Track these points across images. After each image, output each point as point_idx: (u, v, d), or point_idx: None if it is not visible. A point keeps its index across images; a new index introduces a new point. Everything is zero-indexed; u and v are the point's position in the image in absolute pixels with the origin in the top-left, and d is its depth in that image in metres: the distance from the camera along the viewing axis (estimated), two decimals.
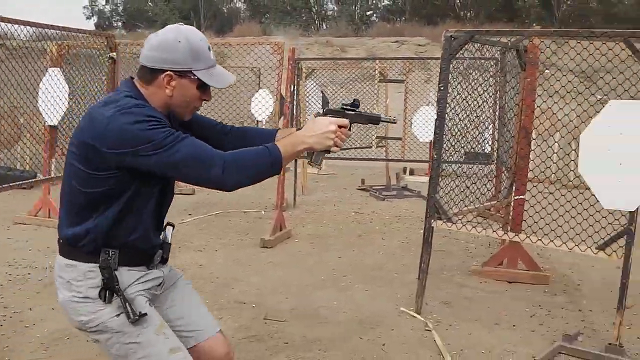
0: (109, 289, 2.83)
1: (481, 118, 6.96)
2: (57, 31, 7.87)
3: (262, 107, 11.57)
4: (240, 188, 2.82)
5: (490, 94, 8.51)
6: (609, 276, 7.32)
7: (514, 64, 7.24)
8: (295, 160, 11.69)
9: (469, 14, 46.44)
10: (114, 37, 9.00)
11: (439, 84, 5.64)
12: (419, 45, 27.63)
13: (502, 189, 7.93)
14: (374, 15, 50.00)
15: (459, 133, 6.42)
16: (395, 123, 3.32)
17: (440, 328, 5.89)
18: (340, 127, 2.95)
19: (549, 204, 6.08)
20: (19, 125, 10.80)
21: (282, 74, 9.41)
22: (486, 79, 7.74)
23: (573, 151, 10.67)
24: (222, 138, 3.24)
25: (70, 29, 8.08)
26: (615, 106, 5.07)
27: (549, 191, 6.18)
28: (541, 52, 6.66)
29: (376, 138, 12.24)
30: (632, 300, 6.73)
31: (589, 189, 5.26)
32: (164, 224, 3.15)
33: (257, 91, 12.48)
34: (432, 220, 6.03)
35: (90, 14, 56.47)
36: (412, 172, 14.87)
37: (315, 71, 12.88)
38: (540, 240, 5.72)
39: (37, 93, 8.51)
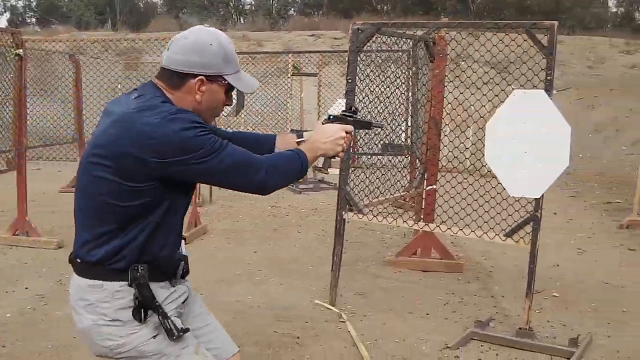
0: (145, 307, 2.64)
1: (395, 109, 7.01)
2: None
3: None
4: (275, 191, 2.79)
5: (404, 85, 8.60)
6: (520, 262, 7.44)
7: (422, 56, 7.31)
8: None
9: (385, 7, 46.80)
10: (20, 33, 8.75)
11: (347, 77, 5.66)
12: (335, 38, 27.75)
13: (413, 179, 8.00)
14: (292, 9, 50.00)
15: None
16: (382, 128, 3.33)
17: (354, 319, 5.92)
18: (346, 132, 3.00)
19: (457, 193, 6.18)
20: None
21: None
22: (402, 71, 7.83)
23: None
24: None
25: None
26: (518, 96, 5.17)
27: (460, 180, 6.27)
28: (458, 44, 6.74)
29: (290, 131, 12.21)
30: (543, 284, 6.91)
31: (496, 177, 5.36)
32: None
33: None
34: (344, 212, 6.05)
35: (3, 10, 55.07)
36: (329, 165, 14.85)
37: None
38: (450, 229, 5.80)
39: None
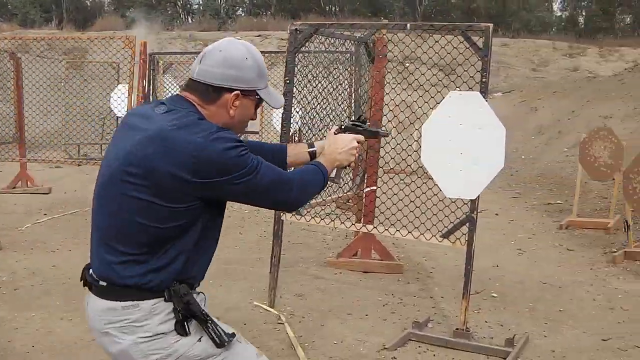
0: (187, 320, 2.59)
1: (338, 110, 7.02)
2: None
3: (121, 103, 11.32)
4: None
5: (347, 86, 8.62)
6: (461, 263, 7.41)
7: (364, 57, 7.32)
8: None
9: (334, 9, 46.88)
10: None
11: (284, 78, 5.64)
12: (282, 39, 27.67)
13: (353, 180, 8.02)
14: (240, 9, 49.81)
15: (314, 125, 6.46)
16: (387, 136, 3.35)
17: (293, 320, 5.91)
18: (357, 142, 3.03)
19: (394, 194, 6.20)
20: None
21: (135, 69, 9.22)
22: (346, 72, 7.84)
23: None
24: None
25: None
26: (454, 97, 5.21)
27: (398, 182, 6.30)
28: (407, 46, 6.74)
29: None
30: (482, 285, 6.98)
31: (432, 178, 5.39)
32: None
33: (117, 86, 12.21)
34: (282, 214, 6.03)
35: None
36: None
37: (173, 65, 12.69)
38: (387, 230, 5.82)
39: None
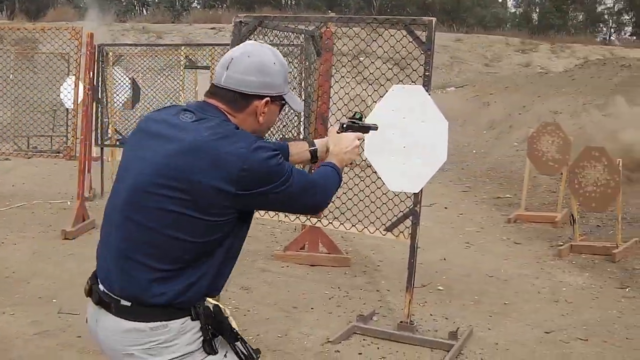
0: (217, 335, 2.52)
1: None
2: None
3: (67, 94, 11.16)
4: None
5: (297, 80, 8.59)
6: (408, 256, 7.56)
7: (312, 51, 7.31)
8: (102, 148, 11.38)
9: (290, 2, 46.82)
10: None
11: None
12: None
13: None
14: (195, 1, 49.52)
15: None
16: (376, 130, 3.36)
17: (238, 314, 5.88)
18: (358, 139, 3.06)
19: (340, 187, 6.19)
20: None
21: (81, 60, 9.08)
22: (296, 65, 7.80)
23: None
24: None
25: None
26: (397, 91, 5.21)
27: (351, 176, 6.31)
28: (362, 40, 6.72)
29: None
30: (429, 278, 7.02)
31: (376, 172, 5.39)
32: None
33: (67, 78, 12.02)
34: None
35: None
36: None
37: (123, 58, 12.54)
38: (331, 223, 5.83)
39: None
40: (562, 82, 19.15)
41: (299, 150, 3.11)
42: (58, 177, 12.26)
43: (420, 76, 5.27)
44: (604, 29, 53.14)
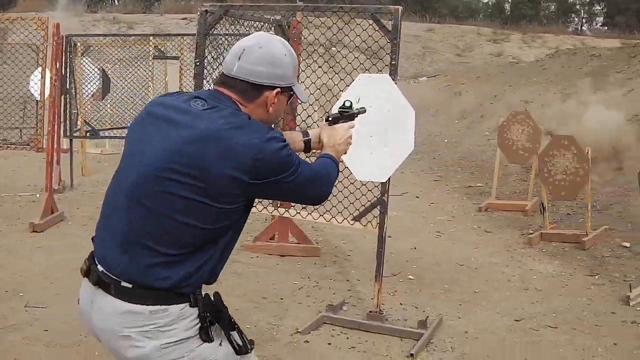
0: (214, 323, 2.53)
1: None
2: None
3: (33, 86, 11.03)
4: None
5: None
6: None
7: None
8: (71, 140, 11.26)
9: None
10: None
11: (195, 60, 5.55)
12: None
13: None
14: None
15: None
16: (365, 112, 3.34)
17: None
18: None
19: None
20: None
21: (48, 51, 8.96)
22: None
23: None
24: None
25: None
26: (364, 80, 5.17)
27: None
28: (331, 29, 6.66)
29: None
30: (399, 267, 7.02)
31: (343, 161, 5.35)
32: None
33: (36, 69, 11.87)
34: None
35: None
36: None
37: (92, 48, 12.41)
38: (299, 213, 5.79)
39: None
40: (533, 71, 19.23)
41: (293, 140, 3.09)
42: (27, 170, 12.12)
43: (387, 65, 5.24)
44: (576, 19, 53.50)
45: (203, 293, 2.56)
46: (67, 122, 10.94)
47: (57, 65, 8.82)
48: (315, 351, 5.08)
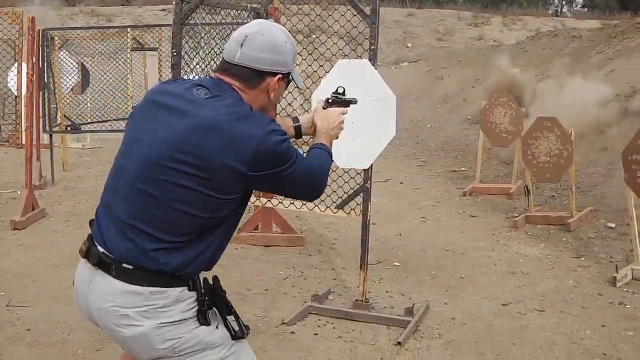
0: (212, 307, 2.60)
1: None
2: None
3: (10, 81, 10.89)
4: None
5: None
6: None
7: None
8: (51, 135, 11.15)
9: None
10: None
11: (172, 50, 5.46)
12: None
13: None
14: None
15: None
16: (356, 103, 3.35)
17: None
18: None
19: None
20: None
21: (24, 45, 8.84)
22: None
23: None
24: None
25: None
26: (343, 65, 5.10)
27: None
28: (310, 19, 6.60)
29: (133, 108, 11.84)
30: (385, 254, 6.98)
31: None
32: None
33: (14, 64, 11.71)
34: None
35: None
36: None
37: (69, 42, 12.27)
38: (281, 202, 5.73)
39: None
40: (514, 54, 19.19)
41: (283, 126, 3.08)
42: (8, 166, 12.00)
43: (366, 50, 5.18)
44: (556, 1, 53.53)
45: (202, 277, 2.62)
46: (47, 117, 10.82)
47: (34, 60, 8.70)
48: (302, 342, 5.02)
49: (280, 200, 5.90)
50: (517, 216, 8.63)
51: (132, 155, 2.58)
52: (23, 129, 9.04)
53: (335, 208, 5.50)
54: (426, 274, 6.58)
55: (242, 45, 2.61)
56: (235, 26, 7.97)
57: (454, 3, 43.37)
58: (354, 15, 5.22)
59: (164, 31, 11.82)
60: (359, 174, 5.42)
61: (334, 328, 5.26)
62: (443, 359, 4.80)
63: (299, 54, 6.30)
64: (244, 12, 6.83)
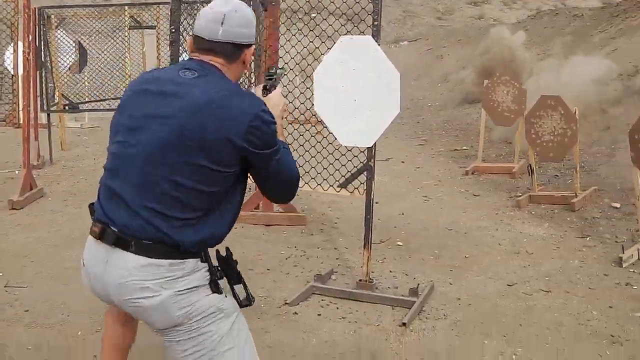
0: (223, 276, 2.73)
1: None
2: None
3: (6, 60, 10.80)
4: None
5: None
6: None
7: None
8: (49, 114, 11.05)
9: None
10: None
11: (170, 27, 5.36)
12: None
13: None
14: None
15: None
16: (285, 71, 3.43)
17: None
18: None
19: (289, 144, 6.00)
20: None
21: (19, 24, 8.73)
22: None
23: None
24: None
25: None
26: (346, 42, 4.99)
27: (300, 131, 6.12)
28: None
29: None
30: (388, 234, 6.90)
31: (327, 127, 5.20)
32: None
33: (10, 44, 11.60)
34: None
35: None
36: None
37: (66, 20, 12.14)
38: None
39: None
40: (515, 33, 19.09)
41: None
42: (6, 146, 11.90)
43: (369, 26, 5.08)
44: None
45: (218, 249, 2.76)
46: (44, 97, 10.72)
47: (30, 39, 8.58)
48: (305, 323, 4.95)
49: None
50: (520, 195, 8.55)
51: (136, 143, 2.66)
52: (20, 108, 8.93)
53: (338, 187, 5.42)
54: (430, 253, 6.50)
55: (222, 23, 2.73)
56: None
57: None
58: None
59: (162, 9, 11.69)
60: (362, 152, 5.33)
61: (338, 308, 5.19)
62: (449, 340, 4.73)
63: (299, 30, 6.26)
64: None
